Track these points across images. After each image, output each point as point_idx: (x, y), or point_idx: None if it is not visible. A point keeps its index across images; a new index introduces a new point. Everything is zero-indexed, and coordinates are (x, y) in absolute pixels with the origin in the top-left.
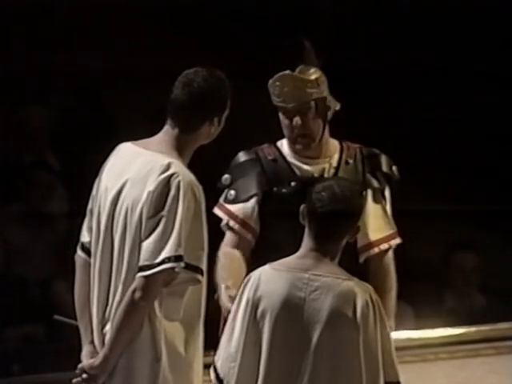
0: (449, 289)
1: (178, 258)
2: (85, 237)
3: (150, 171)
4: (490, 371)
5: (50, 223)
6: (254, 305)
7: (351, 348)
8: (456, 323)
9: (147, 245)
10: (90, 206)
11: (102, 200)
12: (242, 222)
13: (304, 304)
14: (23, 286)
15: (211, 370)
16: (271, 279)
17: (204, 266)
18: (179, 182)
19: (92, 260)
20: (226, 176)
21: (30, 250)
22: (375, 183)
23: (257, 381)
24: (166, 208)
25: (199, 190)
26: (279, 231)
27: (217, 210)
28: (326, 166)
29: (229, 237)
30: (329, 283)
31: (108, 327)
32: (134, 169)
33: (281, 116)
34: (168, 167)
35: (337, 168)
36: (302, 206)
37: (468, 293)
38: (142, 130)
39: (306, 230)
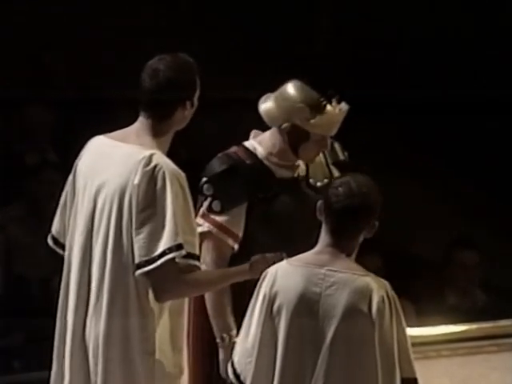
0: (450, 286)
1: (178, 247)
2: (57, 230)
3: (131, 165)
4: (491, 368)
5: (51, 220)
6: (271, 300)
7: (367, 344)
8: (457, 320)
9: (141, 240)
10: (62, 201)
11: (80, 198)
12: (226, 230)
13: (320, 299)
14: (25, 283)
15: (228, 365)
16: (287, 275)
17: (198, 252)
18: (164, 173)
19: (67, 258)
20: (207, 185)
21: (31, 248)
22: (337, 173)
23: (273, 376)
24: (155, 201)
25: (183, 177)
26: (265, 235)
27: (200, 220)
28: (298, 164)
29: (211, 244)
30: (345, 279)
31: (90, 324)
32: (114, 164)
33: (312, 141)
34: (150, 159)
35: (307, 165)
36: (319, 202)
37: (469, 290)
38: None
39: (323, 226)
